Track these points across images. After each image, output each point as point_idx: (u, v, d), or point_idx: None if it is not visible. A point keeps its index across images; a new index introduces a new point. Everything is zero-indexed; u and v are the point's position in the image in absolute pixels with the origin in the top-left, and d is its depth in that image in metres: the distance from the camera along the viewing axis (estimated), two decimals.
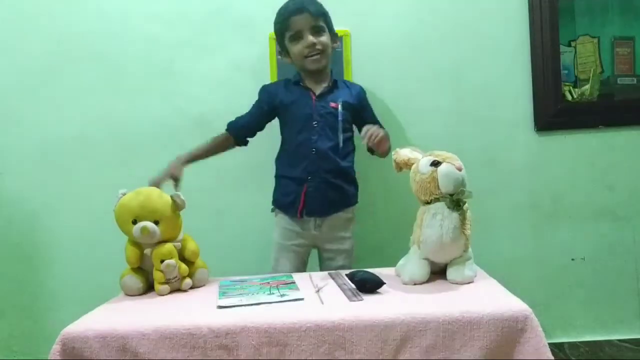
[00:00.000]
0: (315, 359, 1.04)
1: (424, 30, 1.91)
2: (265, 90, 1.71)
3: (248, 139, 1.72)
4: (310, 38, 1.59)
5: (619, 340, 1.90)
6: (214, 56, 1.90)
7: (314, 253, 1.74)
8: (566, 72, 1.92)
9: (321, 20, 1.61)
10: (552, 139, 1.92)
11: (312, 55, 1.61)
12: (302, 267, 1.69)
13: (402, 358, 1.04)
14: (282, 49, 1.69)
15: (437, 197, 1.27)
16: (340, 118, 1.60)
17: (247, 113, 1.70)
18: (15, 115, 1.89)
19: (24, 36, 1.89)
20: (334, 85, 1.67)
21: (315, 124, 1.61)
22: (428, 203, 1.29)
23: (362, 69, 1.89)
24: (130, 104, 1.90)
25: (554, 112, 1.89)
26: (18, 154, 1.90)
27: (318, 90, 1.65)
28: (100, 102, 1.90)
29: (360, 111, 1.70)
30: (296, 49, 1.62)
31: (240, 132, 1.69)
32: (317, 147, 1.60)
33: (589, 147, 1.91)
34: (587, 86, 1.91)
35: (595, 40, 1.93)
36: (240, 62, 1.81)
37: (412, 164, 1.35)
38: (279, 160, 1.71)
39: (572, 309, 1.92)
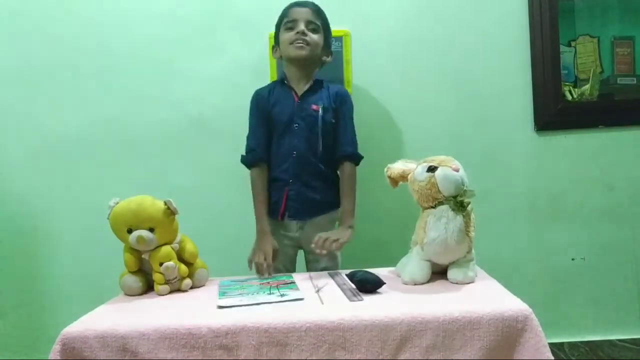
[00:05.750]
0: (315, 359, 1.04)
1: (424, 30, 1.91)
2: (258, 96, 1.67)
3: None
4: (302, 27, 1.59)
5: (619, 340, 1.90)
6: (214, 56, 1.90)
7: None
8: (566, 72, 1.92)
9: (318, 20, 1.62)
10: (552, 139, 1.92)
11: (298, 43, 1.59)
12: (291, 267, 1.67)
13: (402, 358, 1.04)
14: (276, 42, 1.68)
15: (441, 201, 1.27)
16: (320, 122, 1.59)
17: (251, 133, 1.64)
18: (15, 115, 1.89)
19: (23, 37, 1.89)
20: (316, 85, 1.65)
21: (296, 126, 1.59)
22: (432, 208, 1.29)
23: (362, 69, 1.89)
24: (130, 103, 1.90)
25: (554, 112, 1.89)
26: (18, 154, 1.90)
27: (301, 90, 1.63)
28: (100, 101, 1.90)
29: (336, 116, 1.63)
30: (286, 36, 1.61)
31: (263, 154, 1.62)
32: (298, 150, 1.59)
33: (589, 147, 1.91)
34: (587, 86, 1.91)
35: (595, 40, 1.94)
36: (240, 62, 1.81)
37: (408, 174, 1.35)
38: None
39: (572, 309, 1.92)
